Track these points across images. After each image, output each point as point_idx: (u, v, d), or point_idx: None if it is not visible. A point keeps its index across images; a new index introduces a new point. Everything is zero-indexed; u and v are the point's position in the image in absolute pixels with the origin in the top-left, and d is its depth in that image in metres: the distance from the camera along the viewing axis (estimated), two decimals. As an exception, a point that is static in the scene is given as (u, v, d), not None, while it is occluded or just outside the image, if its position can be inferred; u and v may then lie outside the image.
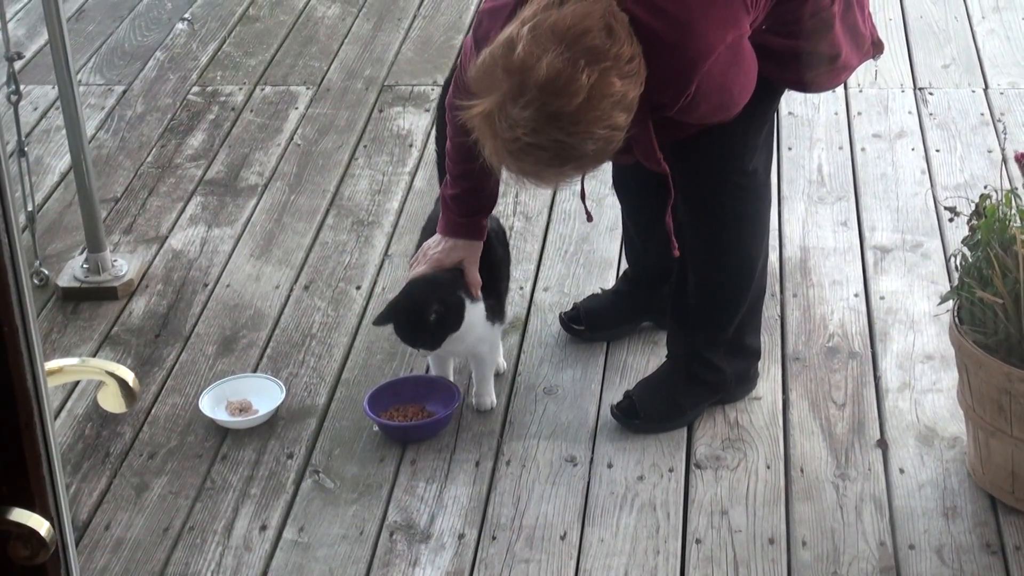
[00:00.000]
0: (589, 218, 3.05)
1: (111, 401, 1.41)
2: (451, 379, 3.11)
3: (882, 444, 2.94)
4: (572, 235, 3.67)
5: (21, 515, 1.21)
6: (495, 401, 3.07)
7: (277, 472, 2.94)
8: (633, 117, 2.45)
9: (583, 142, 2.41)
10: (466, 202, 2.89)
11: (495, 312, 3.02)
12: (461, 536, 2.76)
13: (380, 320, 2.96)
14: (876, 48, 2.87)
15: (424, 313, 2.87)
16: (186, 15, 5.02)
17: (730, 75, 2.57)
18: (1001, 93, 4.27)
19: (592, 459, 2.94)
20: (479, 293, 2.92)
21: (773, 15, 2.62)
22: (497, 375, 3.14)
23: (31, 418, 1.21)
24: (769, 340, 3.22)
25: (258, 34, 4.89)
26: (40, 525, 1.21)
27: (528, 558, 2.70)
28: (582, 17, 2.39)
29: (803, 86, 2.90)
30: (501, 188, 3.13)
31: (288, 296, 3.50)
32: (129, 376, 1.39)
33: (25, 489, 1.22)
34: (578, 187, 2.96)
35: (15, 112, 3.42)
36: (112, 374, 1.39)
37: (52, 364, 1.35)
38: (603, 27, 2.39)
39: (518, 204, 3.78)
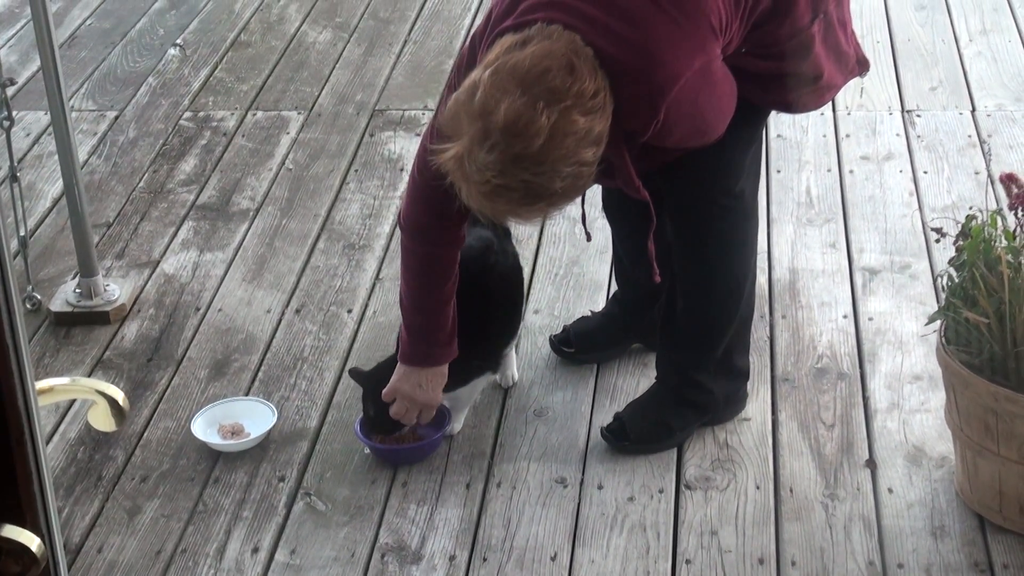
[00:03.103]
0: (588, 238, 3.07)
1: (101, 420, 1.42)
2: (444, 402, 3.12)
3: (871, 464, 2.95)
4: (562, 258, 3.69)
5: (12, 531, 1.22)
6: (458, 429, 3.09)
7: (269, 495, 2.95)
8: (606, 147, 2.45)
9: (551, 181, 2.41)
10: (431, 329, 2.89)
11: (478, 366, 3.06)
12: (452, 558, 2.77)
13: (356, 373, 3.09)
14: (861, 66, 2.88)
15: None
16: (178, 41, 5.04)
17: (702, 100, 2.57)
18: (988, 115, 4.30)
19: (582, 480, 2.95)
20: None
21: (751, 39, 2.63)
22: (512, 383, 3.22)
23: (22, 436, 1.22)
24: (758, 361, 3.23)
25: (250, 59, 4.91)
26: (31, 541, 1.22)
27: (519, 579, 2.71)
28: (542, 57, 2.39)
29: (788, 107, 2.92)
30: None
31: (280, 320, 3.51)
32: (119, 395, 1.40)
33: (16, 506, 1.23)
34: (572, 210, 2.96)
35: (7, 138, 3.43)
36: (102, 393, 1.40)
37: (43, 384, 1.37)
38: (564, 65, 2.38)
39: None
